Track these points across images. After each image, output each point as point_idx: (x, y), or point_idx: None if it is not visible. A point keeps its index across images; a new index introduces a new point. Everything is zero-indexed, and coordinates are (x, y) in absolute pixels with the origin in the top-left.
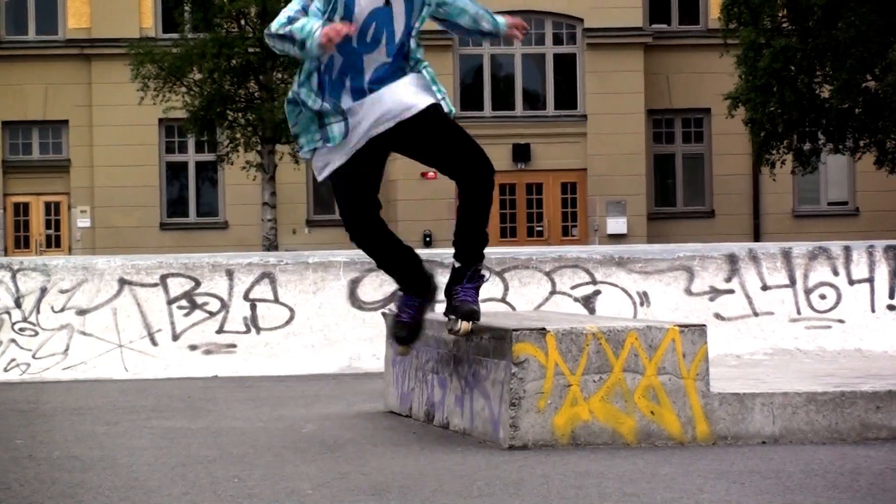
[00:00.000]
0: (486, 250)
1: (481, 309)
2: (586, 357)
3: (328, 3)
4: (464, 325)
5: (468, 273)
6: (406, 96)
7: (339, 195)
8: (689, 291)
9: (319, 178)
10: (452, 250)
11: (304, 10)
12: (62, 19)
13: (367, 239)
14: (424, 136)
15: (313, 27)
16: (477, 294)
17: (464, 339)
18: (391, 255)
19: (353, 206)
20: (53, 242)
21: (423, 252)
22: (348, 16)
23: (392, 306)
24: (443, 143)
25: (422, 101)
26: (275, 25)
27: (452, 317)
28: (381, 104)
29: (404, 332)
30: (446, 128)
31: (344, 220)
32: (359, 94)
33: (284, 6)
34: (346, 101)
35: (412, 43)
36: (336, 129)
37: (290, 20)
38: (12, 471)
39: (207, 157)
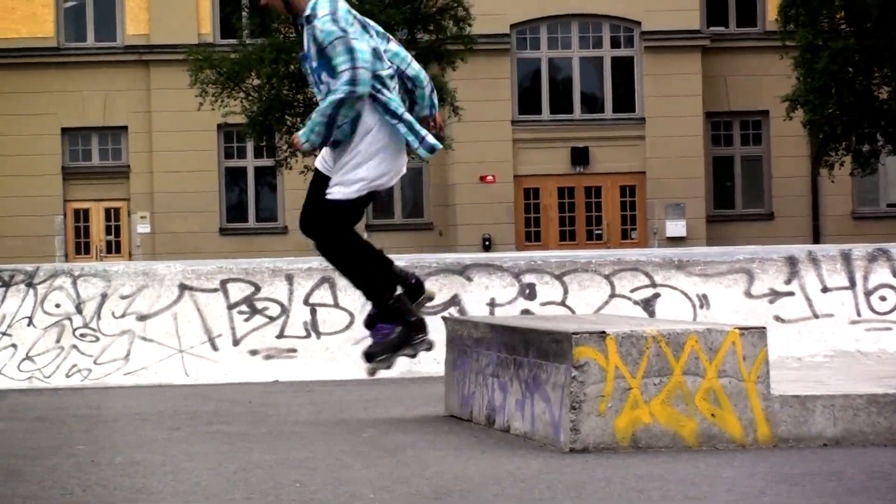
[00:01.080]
0: (546, 253)
1: (540, 312)
2: (646, 360)
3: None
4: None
5: (373, 312)
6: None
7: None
8: (748, 294)
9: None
10: (510, 254)
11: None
12: (121, 26)
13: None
14: None
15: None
16: (386, 333)
17: (522, 344)
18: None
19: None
20: (113, 248)
21: (481, 256)
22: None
23: (449, 312)
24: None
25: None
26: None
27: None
28: None
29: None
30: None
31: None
32: None
33: None
34: None
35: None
36: None
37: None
38: (75, 476)
39: (266, 162)
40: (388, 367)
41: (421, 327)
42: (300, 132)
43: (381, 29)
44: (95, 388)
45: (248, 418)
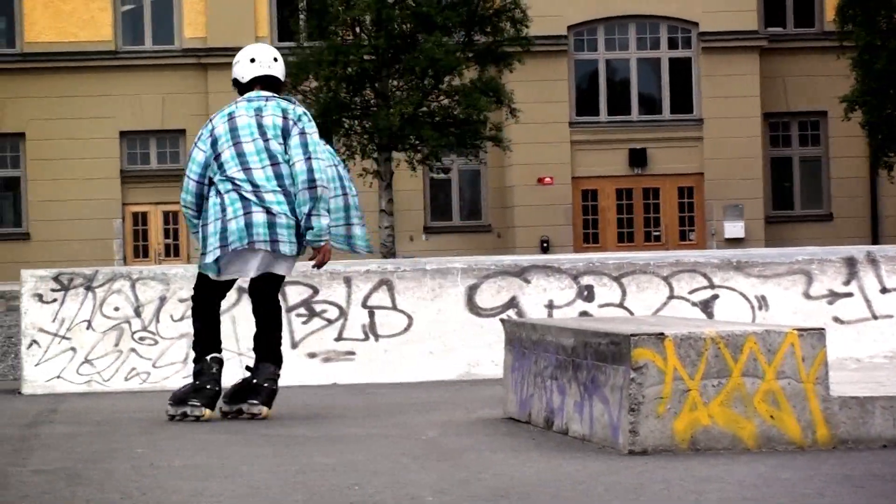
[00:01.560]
0: (604, 255)
1: (598, 314)
2: (705, 362)
3: None
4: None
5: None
6: None
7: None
8: (807, 295)
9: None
10: (568, 256)
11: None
12: (178, 29)
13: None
14: None
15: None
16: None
17: (580, 346)
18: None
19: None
20: (172, 252)
21: (539, 258)
22: None
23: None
24: None
25: None
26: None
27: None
28: None
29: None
30: None
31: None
32: None
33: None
34: None
35: None
36: None
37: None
38: (134, 480)
39: None
40: (181, 417)
41: (201, 395)
42: None
43: (270, 126)
44: (154, 391)
45: (306, 421)
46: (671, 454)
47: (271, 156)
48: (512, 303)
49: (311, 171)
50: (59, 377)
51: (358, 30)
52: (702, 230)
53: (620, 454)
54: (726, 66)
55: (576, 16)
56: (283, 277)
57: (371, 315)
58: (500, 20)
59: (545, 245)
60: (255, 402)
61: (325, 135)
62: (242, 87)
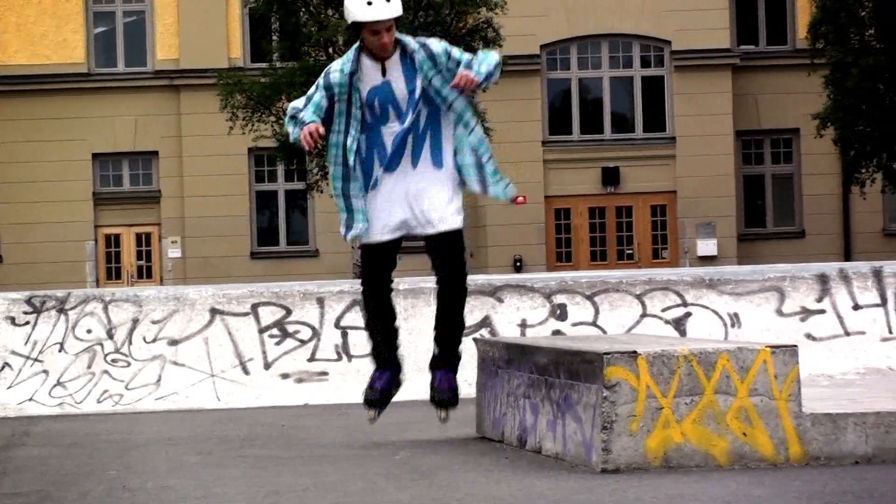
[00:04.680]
0: (577, 274)
1: (571, 332)
2: (678, 379)
3: (327, 89)
4: (442, 413)
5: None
6: (432, 211)
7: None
8: (780, 312)
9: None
10: (541, 275)
11: (308, 100)
12: (151, 51)
13: (374, 307)
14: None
15: (292, 130)
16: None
17: (553, 365)
18: (388, 329)
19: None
20: (145, 273)
21: (512, 277)
22: (348, 95)
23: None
24: (439, 252)
25: (441, 224)
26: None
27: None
28: (402, 208)
29: (377, 395)
30: (450, 245)
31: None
32: (386, 165)
33: None
34: (378, 172)
35: (442, 96)
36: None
37: (292, 116)
38: (107, 502)
39: (297, 185)
40: None
41: None
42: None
43: None
44: (126, 413)
45: (279, 442)
46: (644, 472)
47: None
48: (485, 322)
49: None
50: (31, 400)
51: (331, 50)
52: (674, 248)
53: (593, 472)
54: (699, 85)
55: (548, 35)
56: None
57: (344, 335)
58: (473, 40)
59: (518, 264)
60: None
61: (298, 155)
62: None
